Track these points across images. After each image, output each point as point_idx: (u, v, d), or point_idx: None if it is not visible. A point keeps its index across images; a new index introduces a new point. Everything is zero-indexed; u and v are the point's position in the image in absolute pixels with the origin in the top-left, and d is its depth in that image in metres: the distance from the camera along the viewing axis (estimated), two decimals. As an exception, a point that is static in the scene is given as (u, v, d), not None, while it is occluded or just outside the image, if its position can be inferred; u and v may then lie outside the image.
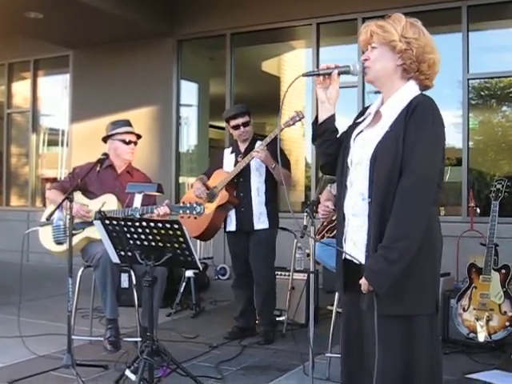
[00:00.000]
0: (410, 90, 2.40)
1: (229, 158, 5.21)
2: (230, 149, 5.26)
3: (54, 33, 9.20)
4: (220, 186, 5.05)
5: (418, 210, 2.24)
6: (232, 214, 5.09)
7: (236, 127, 5.08)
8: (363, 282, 2.27)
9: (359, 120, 2.55)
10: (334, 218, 4.79)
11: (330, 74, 2.46)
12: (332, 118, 2.53)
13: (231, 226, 5.12)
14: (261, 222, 5.01)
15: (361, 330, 2.43)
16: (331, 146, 2.53)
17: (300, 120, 4.83)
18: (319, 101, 2.53)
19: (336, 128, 2.56)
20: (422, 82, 2.44)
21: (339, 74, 2.47)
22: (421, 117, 2.28)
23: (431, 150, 2.27)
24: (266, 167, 4.97)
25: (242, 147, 5.13)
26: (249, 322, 5.19)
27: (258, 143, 5.04)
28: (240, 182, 5.08)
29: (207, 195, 5.07)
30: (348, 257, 2.41)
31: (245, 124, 5.07)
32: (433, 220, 2.34)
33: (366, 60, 2.44)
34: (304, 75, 2.46)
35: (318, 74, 2.44)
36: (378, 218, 2.28)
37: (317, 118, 2.55)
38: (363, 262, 2.33)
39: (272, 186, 5.05)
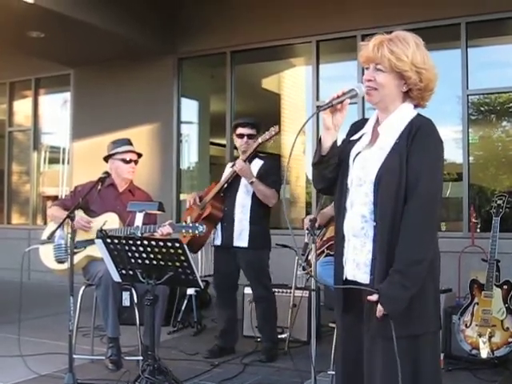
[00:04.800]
0: (408, 109, 2.41)
1: (227, 170, 5.24)
2: (232, 163, 5.28)
3: (56, 52, 9.25)
4: (208, 199, 5.08)
5: (428, 232, 2.26)
6: (219, 229, 5.11)
7: (240, 136, 5.08)
8: (379, 308, 2.25)
9: (354, 138, 2.53)
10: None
11: (341, 103, 2.42)
12: (335, 143, 2.49)
13: (217, 240, 5.14)
14: (240, 239, 4.99)
15: (360, 352, 2.40)
16: (334, 170, 2.50)
17: (276, 134, 4.84)
18: (324, 127, 2.47)
19: (338, 152, 2.51)
20: (419, 103, 2.44)
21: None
22: (424, 140, 2.29)
23: (435, 172, 2.30)
24: None
25: None
26: (228, 343, 5.19)
27: (257, 160, 5.06)
28: (227, 197, 5.10)
29: (198, 206, 5.12)
30: (351, 278, 2.40)
31: (250, 136, 5.06)
32: None
33: (369, 80, 2.40)
34: (320, 110, 2.40)
35: (332, 105, 2.40)
36: (384, 242, 2.28)
37: (320, 141, 2.50)
38: (366, 282, 2.33)
39: (260, 204, 5.00)
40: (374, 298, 2.27)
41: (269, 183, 4.93)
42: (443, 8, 7.16)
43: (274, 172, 5.08)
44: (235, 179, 5.05)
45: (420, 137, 2.29)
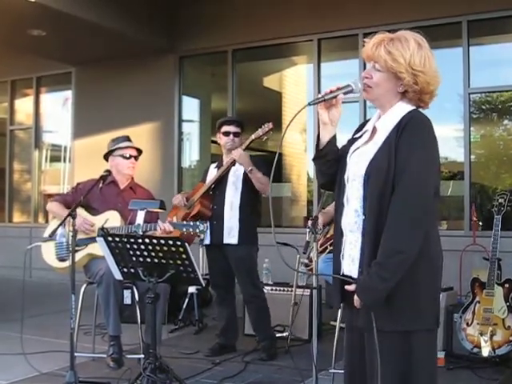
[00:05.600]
0: (404, 106, 2.40)
1: (212, 171, 5.24)
2: (216, 163, 5.29)
3: (57, 50, 9.26)
4: (196, 198, 5.08)
5: (411, 224, 2.22)
6: (207, 227, 5.10)
7: (226, 134, 5.09)
8: (355, 298, 2.28)
9: (357, 136, 2.54)
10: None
11: (335, 97, 2.42)
12: (334, 139, 2.51)
13: (206, 239, 5.12)
14: (230, 236, 4.99)
15: (363, 344, 2.41)
16: (333, 165, 2.51)
17: (269, 131, 4.83)
18: (321, 122, 2.49)
19: (337, 147, 2.54)
20: (418, 104, 2.42)
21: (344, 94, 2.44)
22: (412, 133, 2.27)
23: (423, 165, 2.25)
24: (243, 182, 4.98)
25: (225, 160, 5.12)
26: (229, 340, 5.21)
27: None
28: (215, 195, 5.10)
29: (185, 206, 5.12)
30: (347, 273, 2.40)
31: (235, 134, 5.08)
32: (430, 234, 2.31)
33: (366, 78, 2.40)
34: (310, 104, 2.42)
35: (324, 100, 2.41)
36: (371, 235, 2.28)
37: (318, 137, 2.53)
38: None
39: (249, 201, 5.03)
40: (351, 287, 2.29)
41: (262, 172, 4.93)
42: (445, 6, 7.16)
43: (261, 164, 5.06)
44: (223, 178, 5.06)
45: (409, 130, 2.28)
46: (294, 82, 10.24)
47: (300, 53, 9.14)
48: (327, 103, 2.44)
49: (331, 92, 2.42)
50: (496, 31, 7.57)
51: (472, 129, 7.43)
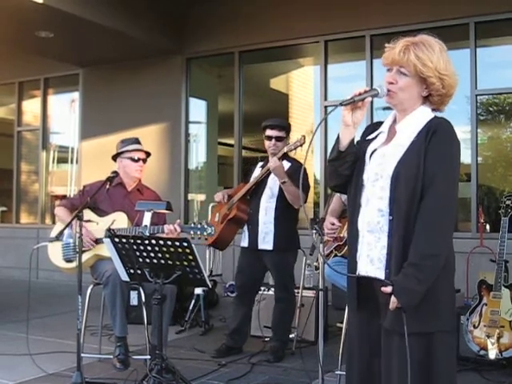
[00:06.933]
0: (426, 110, 2.43)
1: (256, 171, 5.23)
2: (262, 162, 5.28)
3: (64, 51, 9.30)
4: (236, 199, 5.09)
5: (443, 229, 2.28)
6: (246, 230, 5.12)
7: (269, 138, 5.07)
8: (392, 299, 2.27)
9: (370, 137, 2.55)
10: (342, 235, 4.79)
11: (363, 100, 2.42)
12: (353, 141, 2.51)
13: (244, 241, 5.13)
14: (265, 241, 4.97)
15: (374, 349, 2.41)
16: (350, 167, 2.51)
17: (301, 145, 4.80)
18: (344, 124, 2.47)
19: (355, 149, 2.53)
20: (438, 108, 2.46)
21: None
22: (442, 139, 2.31)
23: (452, 172, 2.32)
24: (281, 188, 4.92)
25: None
26: (237, 342, 5.19)
27: (285, 162, 5.00)
28: (252, 199, 5.09)
29: (227, 205, 5.13)
30: (364, 274, 2.40)
31: (278, 138, 5.05)
32: None
33: (391, 83, 2.41)
34: (342, 105, 2.40)
35: (354, 102, 2.40)
36: (400, 236, 2.29)
37: (338, 138, 2.51)
38: (380, 278, 2.33)
39: (285, 207, 4.96)
40: (388, 289, 2.28)
41: (297, 185, 4.89)
42: (452, 8, 7.16)
43: (298, 176, 5.01)
44: (262, 181, 5.04)
45: (438, 136, 2.31)
46: (301, 83, 10.25)
47: (307, 54, 9.14)
48: (353, 105, 2.43)
49: (360, 94, 2.41)
50: (503, 33, 7.55)
51: (479, 130, 7.41)
